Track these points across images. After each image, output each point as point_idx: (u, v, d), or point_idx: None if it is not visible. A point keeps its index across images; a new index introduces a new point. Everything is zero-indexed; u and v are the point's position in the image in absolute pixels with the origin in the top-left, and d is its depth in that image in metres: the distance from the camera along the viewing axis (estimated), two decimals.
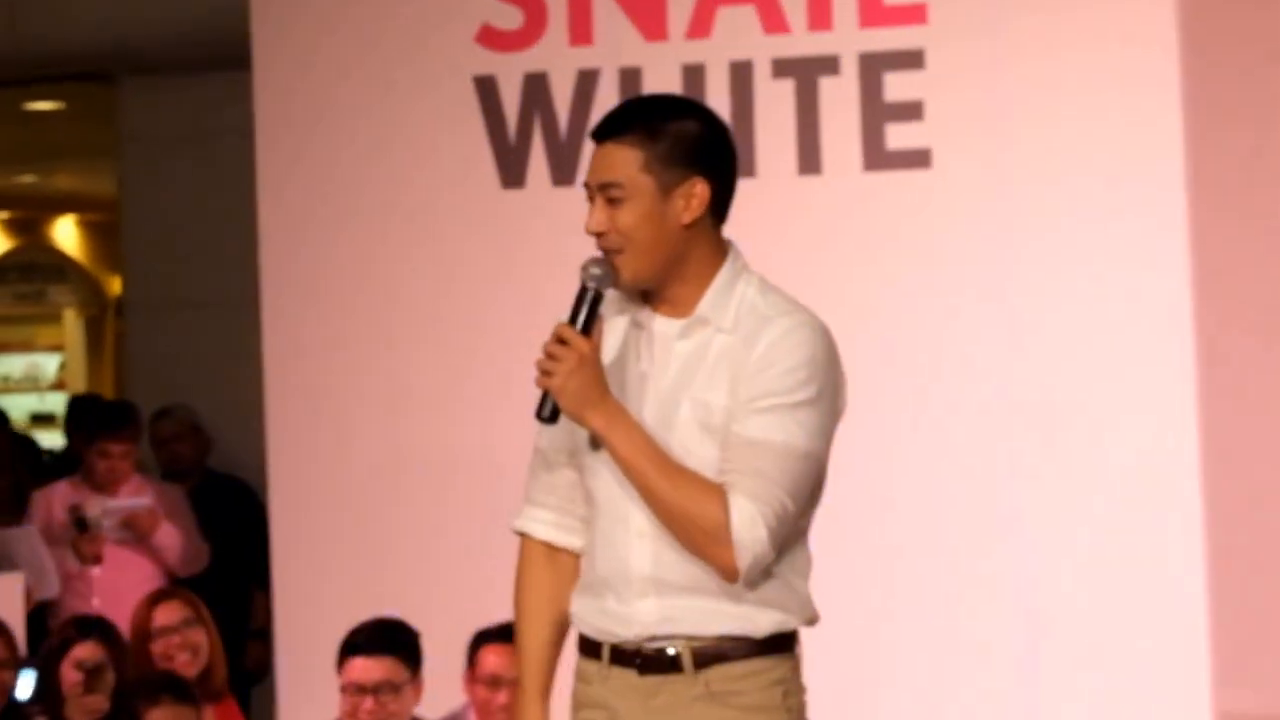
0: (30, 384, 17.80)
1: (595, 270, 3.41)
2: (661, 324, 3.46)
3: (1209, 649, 5.61)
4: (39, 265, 17.31)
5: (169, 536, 7.21)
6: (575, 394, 3.36)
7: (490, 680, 5.44)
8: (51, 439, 14.26)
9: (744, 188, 3.59)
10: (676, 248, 3.42)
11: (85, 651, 5.69)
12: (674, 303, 3.45)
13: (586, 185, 3.45)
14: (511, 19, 6.11)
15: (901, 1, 5.80)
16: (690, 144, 3.42)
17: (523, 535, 3.58)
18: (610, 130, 3.44)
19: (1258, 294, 5.97)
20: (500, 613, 5.34)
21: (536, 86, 6.07)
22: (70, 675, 5.68)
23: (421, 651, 5.49)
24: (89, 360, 17.42)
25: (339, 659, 5.43)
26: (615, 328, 3.49)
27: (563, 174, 5.99)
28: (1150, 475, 5.65)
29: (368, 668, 5.36)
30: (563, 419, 3.41)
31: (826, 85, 5.85)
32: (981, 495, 5.75)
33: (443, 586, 6.06)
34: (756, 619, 3.40)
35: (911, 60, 5.78)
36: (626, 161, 3.40)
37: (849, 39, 5.84)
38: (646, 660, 3.41)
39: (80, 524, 7.10)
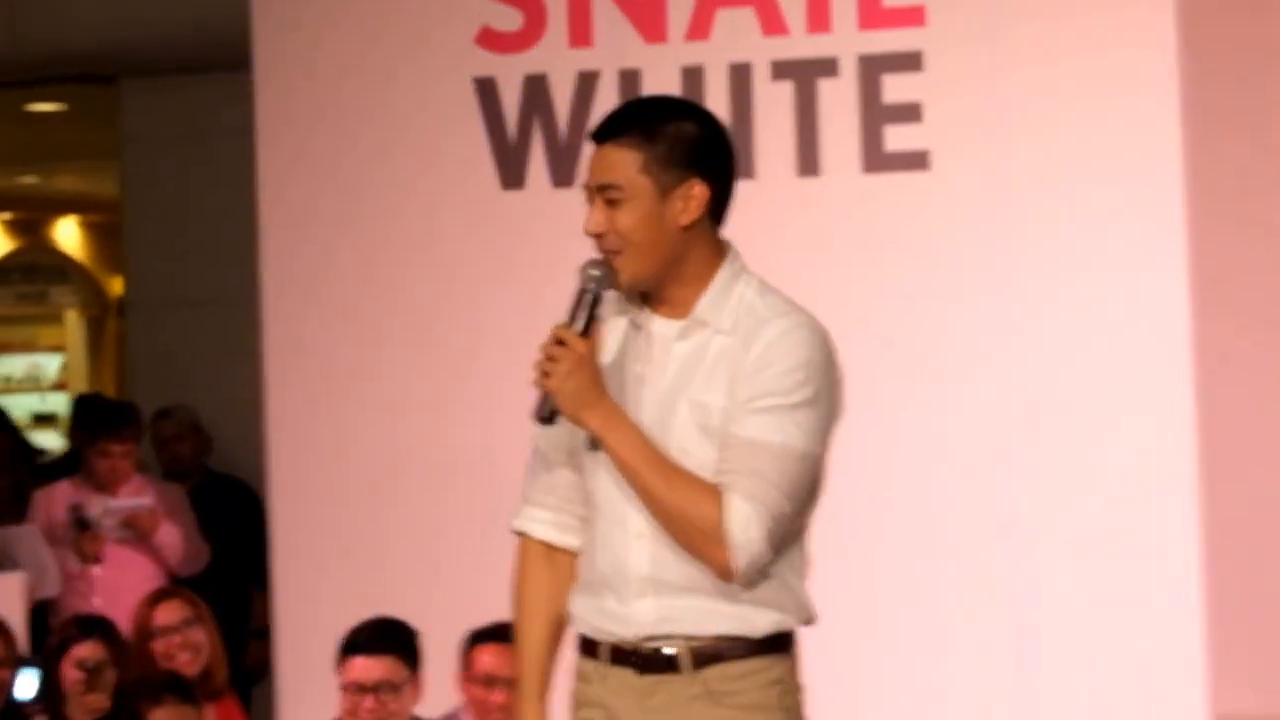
0: (32, 384, 17.81)
1: (594, 272, 3.41)
2: (660, 325, 3.46)
3: (1206, 650, 5.61)
4: (41, 266, 17.32)
5: (169, 536, 7.21)
6: (572, 395, 3.37)
7: (485, 680, 5.44)
8: (48, 439, 14.29)
9: (743, 189, 3.60)
10: (675, 249, 3.43)
11: (86, 650, 5.70)
12: (672, 304, 3.46)
13: (585, 186, 3.46)
14: (511, 21, 6.11)
15: (900, 4, 5.80)
16: (689, 146, 3.43)
17: (521, 535, 3.59)
18: (609, 132, 3.45)
19: (1256, 297, 5.98)
20: (499, 613, 5.35)
21: (536, 88, 6.08)
22: (71, 674, 5.68)
23: (421, 651, 5.49)
24: (90, 360, 17.43)
25: (339, 658, 5.44)
26: (614, 329, 3.49)
27: (562, 175, 6.00)
28: (1147, 477, 5.65)
29: (368, 667, 5.37)
30: (562, 419, 3.42)
31: (825, 87, 5.85)
32: (979, 496, 5.75)
33: (442, 586, 6.06)
34: (754, 619, 3.41)
35: (910, 62, 5.79)
36: (625, 163, 3.41)
37: (848, 41, 5.84)
38: (644, 660, 3.42)
39: (81, 523, 7.12)
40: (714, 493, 3.34)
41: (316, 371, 6.33)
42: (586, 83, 6.03)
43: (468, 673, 5.50)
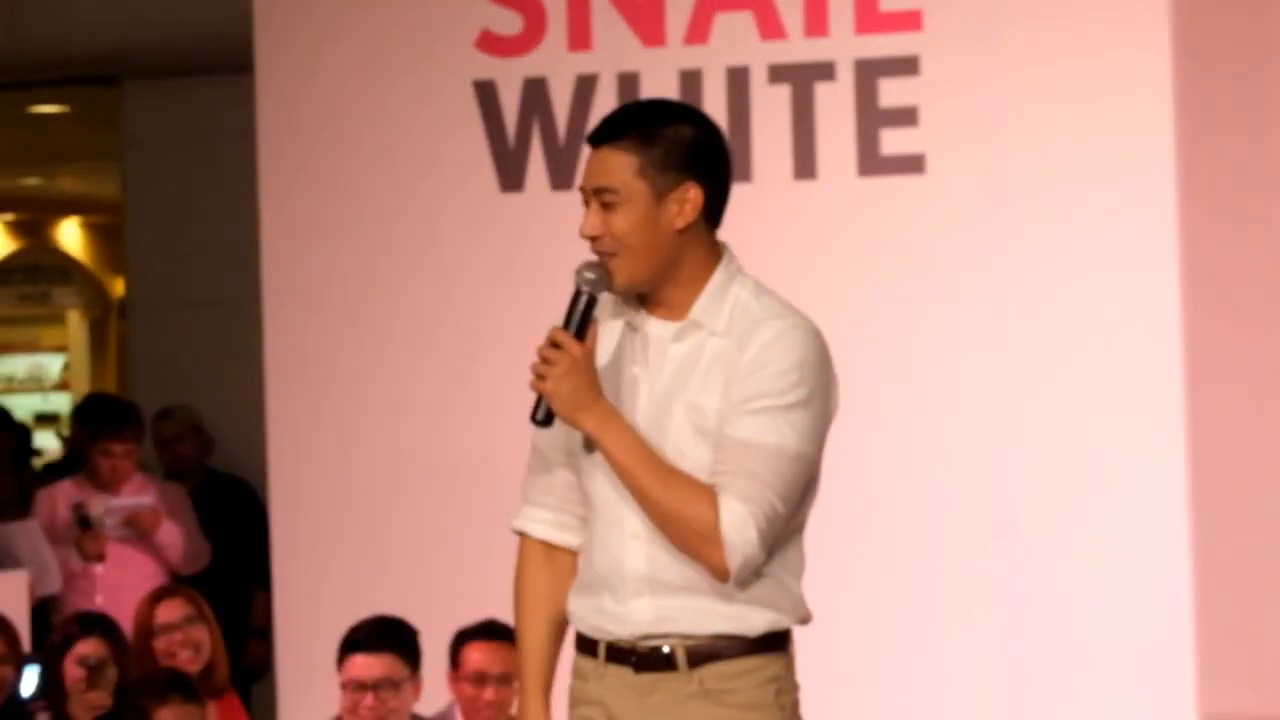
0: (34, 384, 17.82)
1: (589, 274, 3.42)
2: (656, 327, 3.47)
3: (1195, 650, 5.62)
4: (43, 267, 17.32)
5: (171, 535, 7.22)
6: (568, 397, 3.37)
7: (476, 677, 5.48)
8: (50, 439, 14.29)
9: (740, 192, 3.61)
10: (670, 252, 3.43)
11: (87, 648, 5.70)
12: (668, 306, 3.46)
13: (582, 189, 3.47)
14: (511, 24, 6.13)
15: (897, 8, 5.82)
16: (685, 149, 3.43)
17: (521, 534, 3.60)
18: (606, 135, 3.45)
19: (1249, 296, 5.98)
20: (498, 612, 5.39)
21: (535, 91, 6.10)
22: (73, 672, 5.68)
23: (420, 649, 5.51)
24: (92, 361, 17.44)
25: (339, 656, 5.46)
26: (610, 331, 3.50)
27: (561, 178, 6.01)
28: (1138, 477, 5.66)
29: (368, 665, 5.39)
30: (558, 421, 3.43)
31: (822, 91, 5.87)
32: (973, 496, 5.76)
33: (441, 586, 6.07)
34: (750, 618, 3.42)
35: (906, 66, 5.80)
36: (621, 166, 3.41)
37: (845, 45, 5.85)
38: (642, 658, 3.43)
39: (83, 522, 7.12)
40: (709, 494, 3.35)
41: (317, 372, 6.34)
42: (585, 86, 6.04)
43: (457, 671, 5.53)
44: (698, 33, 5.97)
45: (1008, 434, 5.75)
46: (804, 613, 3.49)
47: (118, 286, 15.71)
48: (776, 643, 3.46)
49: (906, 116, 5.81)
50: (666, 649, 3.42)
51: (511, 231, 6.15)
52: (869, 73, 5.83)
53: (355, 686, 5.39)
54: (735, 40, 5.94)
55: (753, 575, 3.39)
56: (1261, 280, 5.98)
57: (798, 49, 5.90)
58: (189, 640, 6.02)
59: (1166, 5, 5.67)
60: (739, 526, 3.33)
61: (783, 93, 5.90)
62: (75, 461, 8.63)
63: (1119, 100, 5.69)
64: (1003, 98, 5.76)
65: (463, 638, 5.54)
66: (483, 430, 6.08)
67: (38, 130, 11.39)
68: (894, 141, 5.82)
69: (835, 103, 5.87)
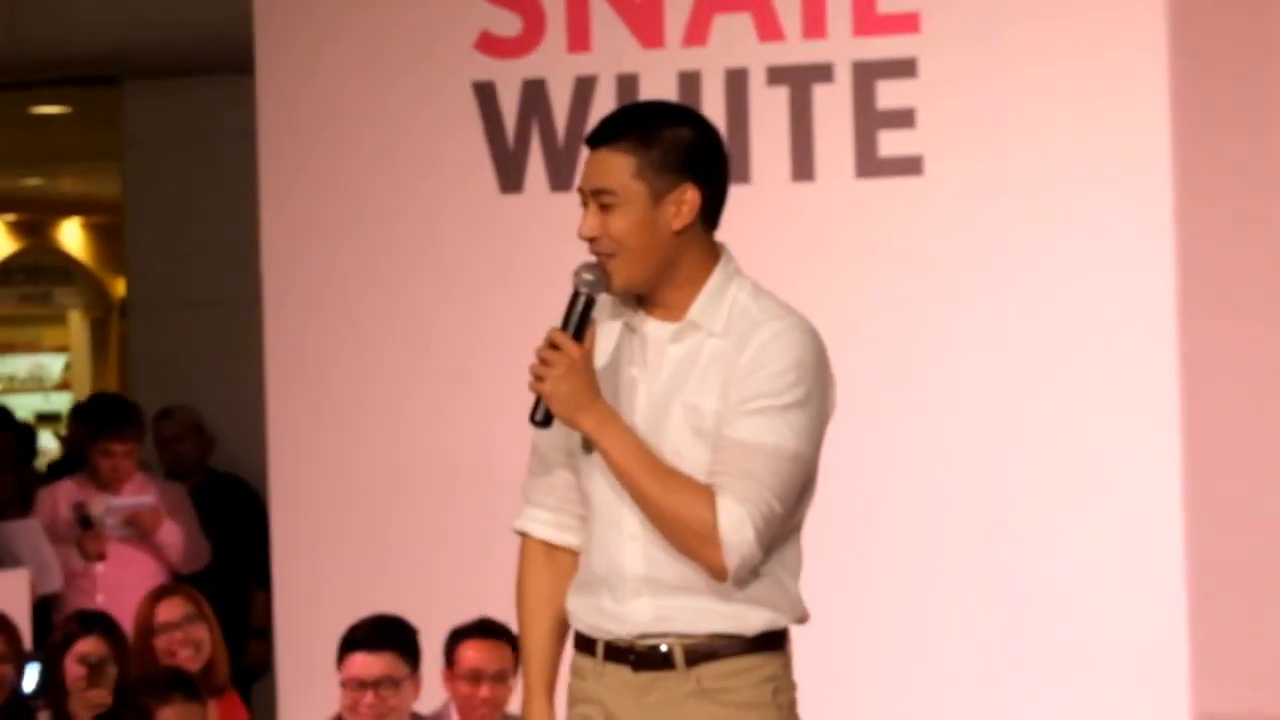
0: (35, 384, 17.85)
1: (587, 275, 3.42)
2: (654, 328, 3.47)
3: (1188, 649, 5.63)
4: (44, 267, 17.34)
5: (171, 534, 7.22)
6: (566, 398, 3.38)
7: (471, 675, 5.50)
8: (46, 439, 14.30)
9: (738, 193, 3.62)
10: (668, 253, 3.43)
11: (88, 646, 5.70)
12: (667, 307, 3.46)
13: (580, 190, 3.47)
14: (510, 26, 6.14)
15: (895, 10, 5.82)
16: (683, 151, 3.43)
17: (522, 535, 3.61)
18: (604, 136, 3.46)
19: (1244, 298, 5.99)
20: (497, 611, 5.41)
21: (535, 92, 6.11)
22: (73, 670, 5.68)
23: (420, 648, 5.53)
24: (93, 361, 17.45)
25: (339, 654, 5.47)
26: (609, 332, 3.50)
27: (560, 179, 6.02)
28: (1133, 478, 5.67)
29: (368, 663, 5.40)
30: (557, 422, 3.45)
31: (820, 93, 5.88)
32: (969, 496, 5.77)
33: (440, 585, 6.08)
34: (747, 617, 3.43)
35: (904, 68, 5.81)
36: (619, 168, 3.42)
37: (843, 47, 5.86)
38: (640, 657, 3.44)
39: (84, 521, 7.13)
40: (707, 494, 3.35)
41: (317, 372, 6.35)
42: (584, 87, 6.05)
43: (452, 670, 5.55)
44: (696, 34, 5.98)
45: (1005, 434, 5.76)
46: (801, 612, 3.50)
47: (119, 286, 15.73)
48: (774, 642, 3.47)
49: (904, 118, 5.82)
50: (664, 648, 3.43)
51: (511, 232, 6.16)
52: (867, 75, 5.84)
53: (355, 685, 5.41)
54: (734, 42, 5.95)
55: (750, 575, 3.40)
56: (1258, 280, 5.99)
57: (796, 51, 5.90)
58: (189, 639, 6.03)
59: (1163, 6, 5.67)
60: (736, 527, 3.33)
61: (781, 94, 5.92)
62: (76, 461, 8.65)
63: (1116, 101, 5.69)
64: (1000, 99, 5.77)
65: (457, 636, 5.56)
66: (482, 430, 6.09)
67: (38, 131, 11.40)
68: (892, 143, 5.83)
69: (833, 104, 5.87)
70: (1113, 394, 5.70)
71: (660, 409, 3.42)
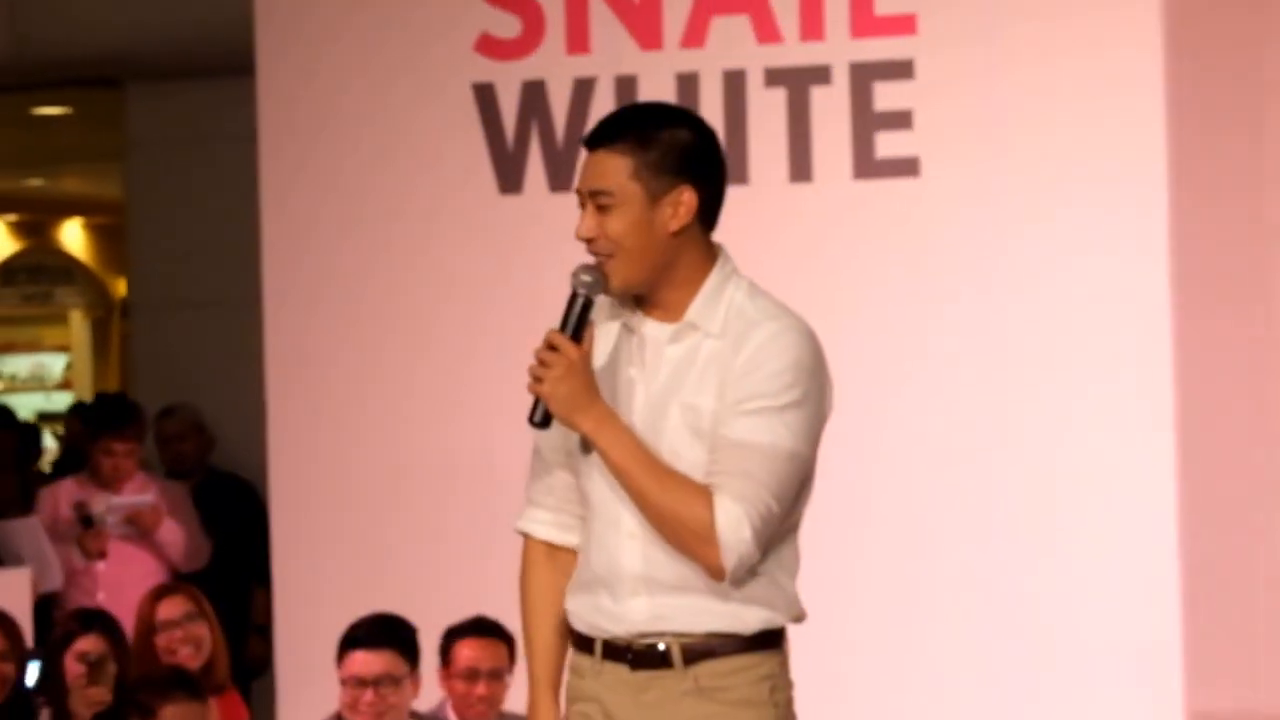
0: (37, 383, 17.86)
1: (585, 277, 3.43)
2: (652, 328, 3.47)
3: (1182, 648, 5.63)
4: (46, 267, 17.35)
5: (172, 533, 7.23)
6: (565, 399, 3.38)
7: (467, 674, 5.53)
8: (46, 439, 14.29)
9: (736, 195, 3.62)
10: (665, 254, 3.43)
11: (87, 644, 5.69)
12: (665, 307, 3.46)
13: (578, 191, 3.48)
14: (510, 28, 6.15)
15: (892, 12, 5.84)
16: (680, 153, 3.43)
17: (525, 536, 3.62)
18: (601, 138, 3.46)
19: (1239, 299, 6.00)
20: (496, 610, 5.43)
21: (534, 94, 6.12)
22: (73, 668, 5.68)
23: (419, 647, 5.54)
24: (95, 360, 17.46)
25: (339, 652, 5.48)
26: (608, 332, 3.51)
27: (560, 180, 6.03)
28: (1127, 479, 5.68)
29: (368, 661, 5.42)
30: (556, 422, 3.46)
31: (818, 94, 5.89)
32: (964, 496, 5.79)
33: (439, 585, 6.09)
34: (744, 616, 3.43)
35: (901, 70, 5.82)
36: (617, 169, 3.42)
37: (840, 49, 5.87)
38: (637, 656, 3.44)
39: (85, 520, 7.15)
40: (705, 494, 3.36)
41: (317, 372, 6.36)
42: (583, 89, 6.06)
43: (448, 668, 5.57)
44: (694, 36, 5.99)
45: (1001, 435, 5.77)
46: (798, 611, 3.51)
47: (120, 287, 15.74)
48: (771, 641, 3.47)
49: (901, 120, 5.83)
50: (662, 646, 3.43)
51: (510, 233, 6.17)
52: (864, 76, 5.85)
53: (355, 683, 5.42)
54: (731, 44, 5.96)
55: (748, 574, 3.40)
56: (1254, 281, 6.00)
57: (793, 53, 5.91)
58: (190, 637, 6.03)
59: (1159, 7, 5.68)
60: (734, 526, 3.34)
61: (778, 96, 5.93)
62: (76, 460, 8.66)
63: (1112, 102, 5.70)
64: (997, 101, 5.78)
65: (452, 635, 5.58)
66: (481, 430, 6.10)
67: (41, 132, 11.39)
68: (889, 144, 5.84)
69: (831, 106, 5.89)
70: (1108, 395, 5.71)
71: (658, 409, 3.43)
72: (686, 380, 3.43)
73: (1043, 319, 5.76)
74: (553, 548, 3.58)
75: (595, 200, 3.44)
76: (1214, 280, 5.95)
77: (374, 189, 6.32)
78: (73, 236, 17.19)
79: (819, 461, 3.49)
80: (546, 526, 3.59)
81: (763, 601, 3.44)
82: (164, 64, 8.44)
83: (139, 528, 7.20)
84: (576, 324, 3.42)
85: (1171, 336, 5.67)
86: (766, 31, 5.94)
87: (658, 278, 3.45)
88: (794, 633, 3.54)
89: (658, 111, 3.61)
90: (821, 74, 5.89)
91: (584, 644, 3.51)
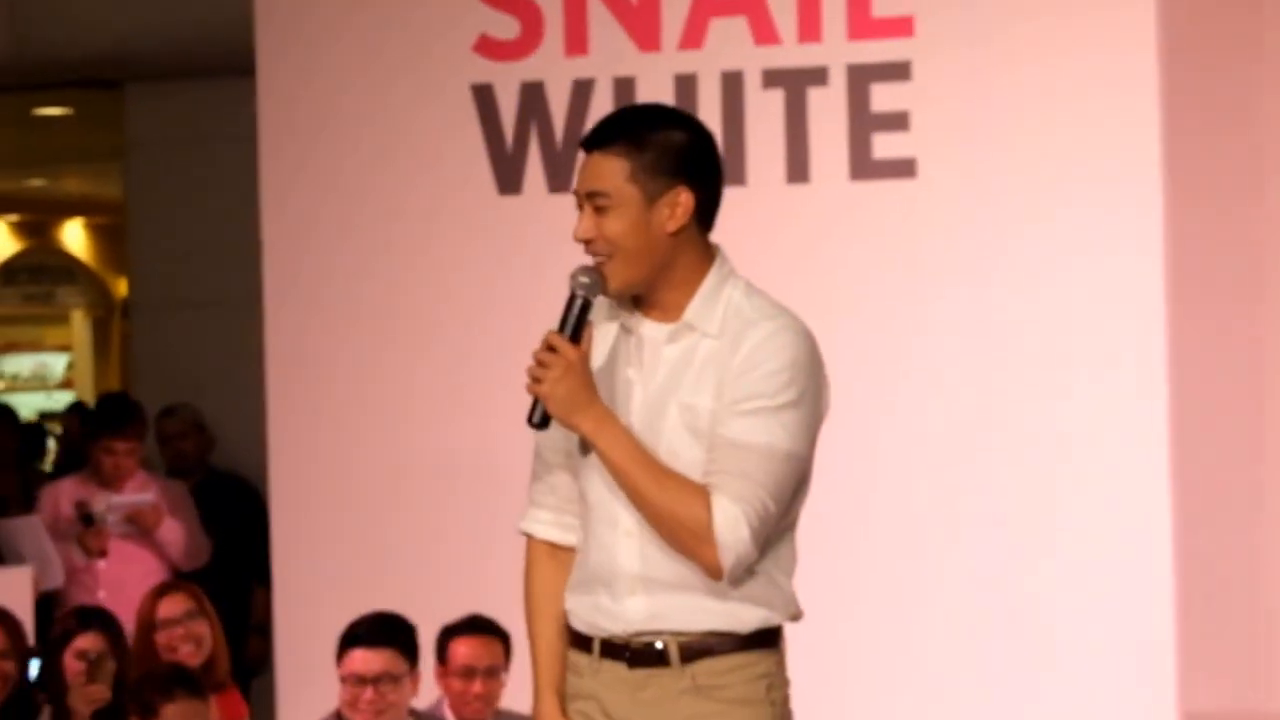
0: (39, 382, 17.89)
1: (584, 278, 3.44)
2: (650, 329, 3.49)
3: (1175, 648, 5.64)
4: (48, 267, 17.37)
5: (172, 532, 7.24)
6: (563, 399, 3.39)
7: (464, 671, 5.55)
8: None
9: (733, 195, 3.63)
10: (663, 255, 3.45)
11: (86, 642, 5.71)
12: (663, 308, 3.47)
13: (575, 193, 3.49)
14: (509, 29, 6.16)
15: (889, 14, 5.84)
16: (676, 154, 3.45)
17: (527, 536, 3.63)
18: (598, 140, 3.48)
19: (1233, 300, 6.01)
20: (495, 609, 5.45)
21: (533, 95, 6.13)
22: (73, 665, 5.70)
23: (418, 645, 5.55)
24: (96, 360, 17.49)
25: (339, 650, 5.50)
26: (606, 333, 3.52)
27: (558, 181, 6.04)
28: (1121, 479, 5.68)
29: (368, 659, 5.43)
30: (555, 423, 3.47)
31: (815, 96, 5.90)
32: (960, 495, 5.80)
33: (438, 584, 6.10)
34: (742, 615, 3.45)
35: (898, 72, 5.83)
36: (613, 171, 3.43)
37: (837, 51, 5.88)
38: (635, 654, 3.46)
39: (86, 519, 7.15)
40: (702, 494, 3.37)
41: (316, 372, 6.37)
42: (582, 90, 6.07)
43: (445, 666, 5.59)
44: (692, 38, 6.00)
45: (996, 434, 5.78)
46: (795, 610, 3.52)
47: (121, 286, 15.76)
48: (768, 639, 3.49)
49: (898, 121, 5.84)
50: (659, 645, 3.45)
51: (509, 233, 6.18)
52: (861, 78, 5.86)
53: (355, 680, 5.44)
54: (729, 45, 5.96)
55: (745, 573, 3.42)
56: (1248, 281, 6.01)
57: (791, 54, 5.92)
58: (190, 634, 6.05)
59: (1154, 9, 5.69)
60: (732, 526, 3.36)
61: (776, 97, 5.94)
62: (75, 459, 8.66)
63: (1108, 103, 5.71)
64: (993, 102, 5.79)
65: (448, 633, 5.60)
66: (481, 429, 6.11)
67: (42, 132, 11.40)
68: (885, 146, 5.85)
69: (828, 107, 5.90)
70: (1103, 395, 5.72)
71: (656, 409, 3.44)
72: (684, 380, 3.44)
73: (1038, 319, 5.76)
74: (555, 547, 3.60)
75: (593, 202, 3.45)
76: (1209, 280, 5.96)
77: (374, 189, 6.32)
78: (74, 237, 17.21)
79: (817, 461, 3.51)
80: (548, 527, 3.60)
81: (760, 600, 3.46)
82: (164, 65, 8.44)
83: (140, 526, 7.20)
84: (575, 325, 3.43)
85: (1166, 336, 5.68)
86: (764, 33, 5.95)
87: (655, 278, 3.46)
88: (791, 631, 3.55)
89: (654, 113, 3.63)
90: (819, 75, 5.90)
91: (582, 642, 3.52)
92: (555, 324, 3.44)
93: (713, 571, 3.39)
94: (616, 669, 3.48)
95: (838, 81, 5.89)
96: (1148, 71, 5.69)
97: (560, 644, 3.57)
